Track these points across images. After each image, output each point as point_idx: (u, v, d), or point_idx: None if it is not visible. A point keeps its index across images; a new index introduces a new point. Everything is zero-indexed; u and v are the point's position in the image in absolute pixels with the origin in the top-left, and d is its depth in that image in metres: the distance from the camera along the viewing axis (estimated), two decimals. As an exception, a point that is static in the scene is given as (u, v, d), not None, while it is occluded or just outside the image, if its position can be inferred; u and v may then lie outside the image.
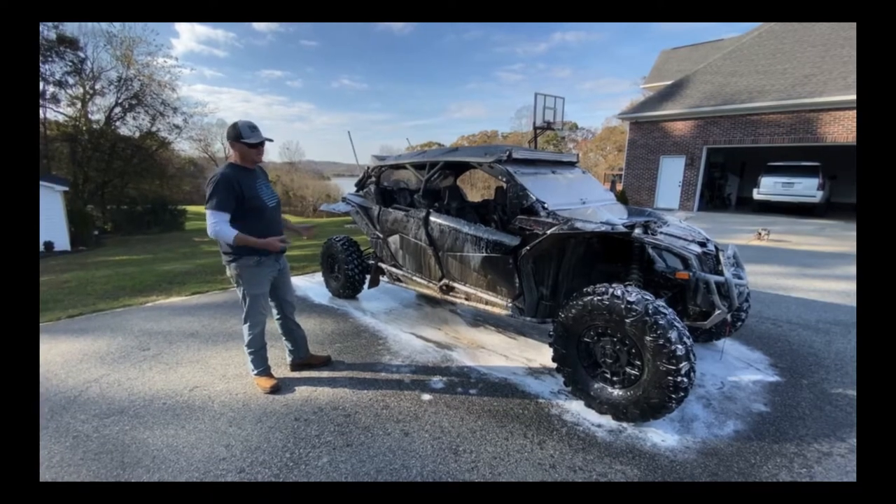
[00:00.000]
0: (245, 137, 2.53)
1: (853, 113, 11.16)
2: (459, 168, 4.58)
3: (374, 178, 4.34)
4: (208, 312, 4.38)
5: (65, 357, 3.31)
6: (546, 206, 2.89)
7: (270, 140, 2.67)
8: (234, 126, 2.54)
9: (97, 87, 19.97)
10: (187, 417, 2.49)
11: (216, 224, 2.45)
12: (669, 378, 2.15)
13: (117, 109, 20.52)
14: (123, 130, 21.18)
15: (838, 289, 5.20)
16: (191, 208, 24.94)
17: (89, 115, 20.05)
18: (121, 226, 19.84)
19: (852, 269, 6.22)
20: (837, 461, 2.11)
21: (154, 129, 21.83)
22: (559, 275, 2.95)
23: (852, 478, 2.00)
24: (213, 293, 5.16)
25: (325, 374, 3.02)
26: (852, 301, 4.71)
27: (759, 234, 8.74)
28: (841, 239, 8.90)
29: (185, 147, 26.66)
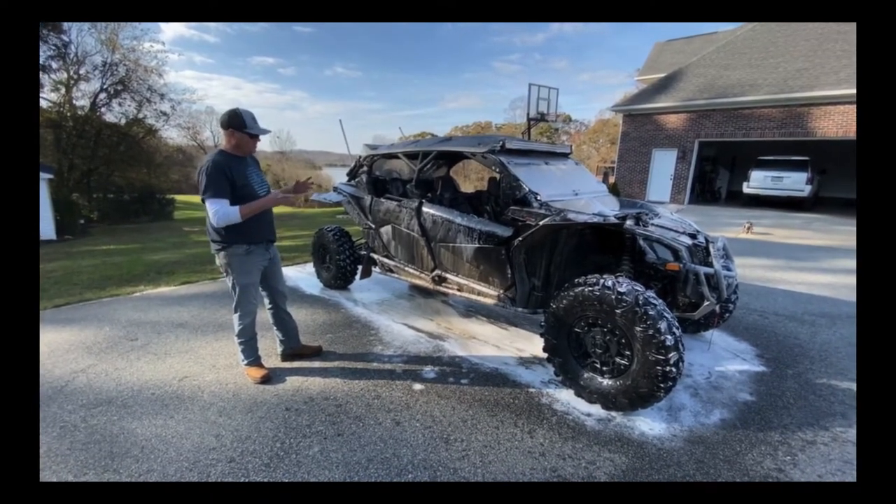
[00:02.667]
0: (249, 128, 2.50)
1: (844, 108, 11.27)
2: (452, 158, 4.55)
3: (366, 168, 4.29)
4: (198, 302, 4.34)
5: (51, 347, 3.25)
6: (539, 196, 2.88)
7: (269, 132, 2.67)
8: (236, 114, 2.49)
9: (81, 71, 19.42)
10: (176, 408, 2.47)
11: (220, 211, 2.42)
12: (658, 368, 2.18)
13: (102, 95, 19.98)
14: (109, 117, 20.64)
15: (824, 281, 5.29)
16: (180, 197, 24.53)
17: (74, 101, 19.52)
18: (107, 214, 19.43)
19: (838, 263, 6.33)
20: (821, 449, 2.16)
21: (141, 115, 21.30)
22: (551, 266, 2.95)
23: (835, 467, 2.05)
24: (202, 283, 5.10)
25: (316, 364, 3.01)
26: (837, 293, 4.79)
27: (747, 227, 8.84)
28: (828, 233, 9.04)
29: (173, 135, 26.07)
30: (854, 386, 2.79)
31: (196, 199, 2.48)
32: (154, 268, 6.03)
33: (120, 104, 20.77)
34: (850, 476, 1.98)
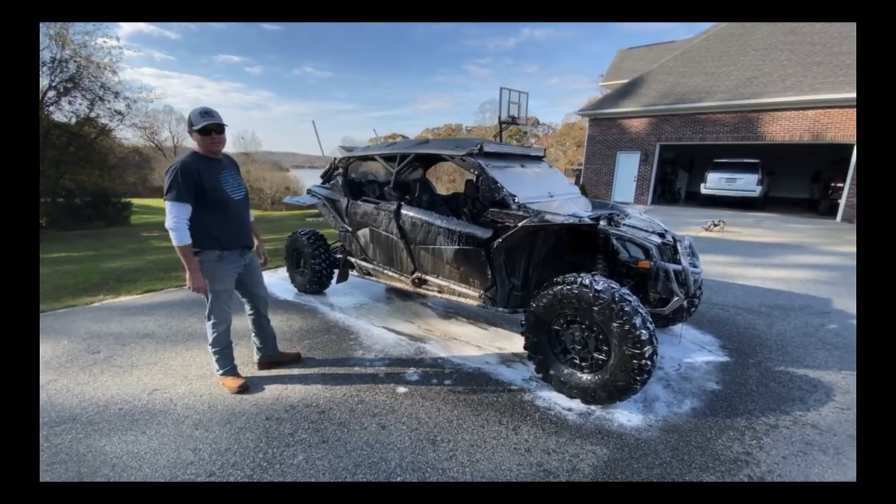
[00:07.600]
0: (194, 125, 2.40)
1: (790, 113, 12.10)
2: (429, 160, 4.57)
3: (341, 170, 4.24)
4: (164, 311, 4.14)
5: (1, 363, 3.02)
6: (517, 199, 2.94)
7: (223, 124, 2.44)
8: (189, 115, 2.44)
9: (25, 67, 18.13)
10: (147, 422, 2.36)
11: (177, 220, 2.33)
12: (634, 361, 2.27)
13: (51, 93, 18.71)
14: (58, 116, 19.35)
15: (777, 276, 5.66)
16: (136, 201, 23.22)
17: (16, 99, 18.18)
18: (57, 220, 18.16)
19: (789, 258, 6.78)
20: (783, 433, 2.32)
21: (93, 115, 20.05)
22: (530, 266, 3.02)
23: (797, 448, 2.20)
24: (169, 291, 4.88)
25: (295, 371, 2.95)
26: (790, 287, 5.14)
27: (713, 225, 9.36)
28: (778, 230, 9.67)
29: (128, 135, 24.59)
30: (810, 372, 3.01)
31: (156, 202, 2.38)
32: (113, 276, 5.70)
33: (70, 102, 19.45)
34: (811, 456, 2.14)
